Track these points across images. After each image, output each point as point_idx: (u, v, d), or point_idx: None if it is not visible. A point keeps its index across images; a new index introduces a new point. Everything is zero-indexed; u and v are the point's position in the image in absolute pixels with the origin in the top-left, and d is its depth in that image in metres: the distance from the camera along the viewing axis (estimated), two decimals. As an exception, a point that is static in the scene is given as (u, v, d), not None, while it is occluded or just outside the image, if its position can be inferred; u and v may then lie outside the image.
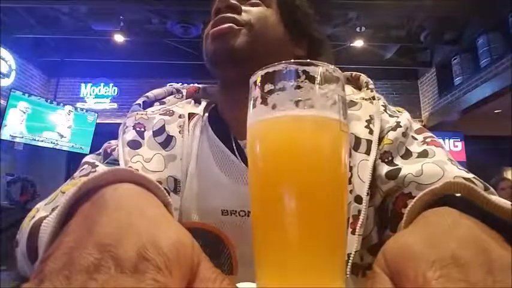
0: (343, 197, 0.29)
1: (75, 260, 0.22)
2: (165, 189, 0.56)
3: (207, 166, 0.61)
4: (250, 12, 0.65)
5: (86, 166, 0.61)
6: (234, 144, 0.62)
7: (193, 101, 0.72)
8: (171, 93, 0.73)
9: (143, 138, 0.60)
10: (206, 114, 0.69)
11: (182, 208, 0.57)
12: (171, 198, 0.56)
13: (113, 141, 0.67)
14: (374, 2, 4.01)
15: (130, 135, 0.60)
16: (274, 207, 0.27)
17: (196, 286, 0.24)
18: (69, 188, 0.44)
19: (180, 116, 0.64)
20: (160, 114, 0.64)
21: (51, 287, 0.21)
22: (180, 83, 0.76)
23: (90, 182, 0.28)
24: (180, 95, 0.72)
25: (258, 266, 0.28)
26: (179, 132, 0.62)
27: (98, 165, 0.57)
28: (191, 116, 0.66)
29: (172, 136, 0.61)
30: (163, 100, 0.70)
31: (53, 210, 0.36)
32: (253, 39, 0.62)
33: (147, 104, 0.68)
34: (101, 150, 0.66)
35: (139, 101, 0.68)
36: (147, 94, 0.70)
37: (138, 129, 0.61)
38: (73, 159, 5.06)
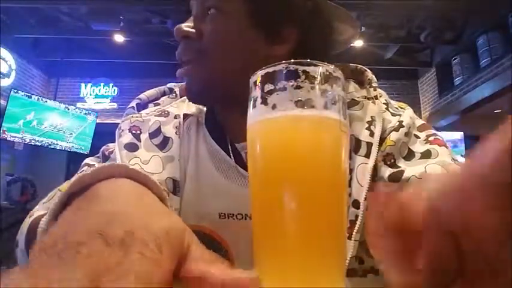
0: (343, 197, 0.29)
1: (65, 244, 0.22)
2: (164, 190, 0.56)
3: (205, 168, 0.61)
4: (205, 34, 0.57)
5: (85, 168, 0.60)
6: (230, 147, 0.61)
7: (187, 100, 0.70)
8: (164, 93, 0.72)
9: (140, 141, 0.59)
10: (202, 115, 0.67)
11: (181, 210, 0.57)
12: (170, 199, 0.56)
13: (110, 144, 0.66)
14: (374, 2, 4.00)
15: (127, 138, 0.59)
16: (274, 207, 0.27)
17: (188, 266, 0.24)
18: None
19: (175, 117, 0.64)
20: (155, 116, 0.63)
21: (38, 266, 0.21)
22: (181, 83, 0.74)
23: (86, 176, 0.28)
24: (174, 94, 0.71)
25: (258, 266, 0.28)
26: (175, 133, 0.61)
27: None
28: (186, 116, 0.65)
29: (169, 137, 0.60)
30: (158, 101, 0.69)
31: None
32: (211, 66, 0.57)
33: (141, 106, 0.67)
34: (99, 154, 0.66)
35: (133, 103, 0.67)
36: (139, 96, 0.69)
37: (134, 132, 0.60)
38: (73, 159, 5.06)
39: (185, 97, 0.70)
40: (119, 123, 0.64)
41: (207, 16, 0.58)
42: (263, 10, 0.57)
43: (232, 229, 0.56)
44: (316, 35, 0.60)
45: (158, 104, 0.68)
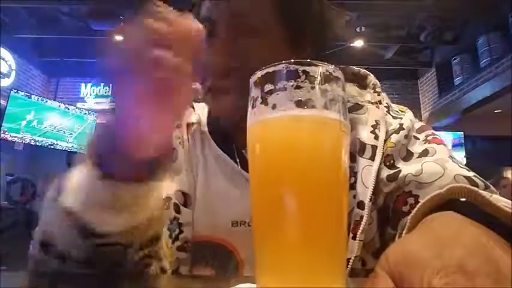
0: (343, 197, 0.29)
1: None
2: (175, 203, 0.55)
3: (215, 178, 0.60)
4: (245, 59, 0.54)
5: None
6: (236, 154, 0.60)
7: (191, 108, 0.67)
8: None
9: None
10: (205, 123, 0.65)
11: (193, 222, 0.56)
12: (182, 212, 0.56)
13: None
14: (374, 2, 4.00)
15: None
16: (274, 207, 0.27)
17: None
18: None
19: (177, 126, 0.62)
20: None
21: None
22: None
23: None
24: None
25: (258, 267, 0.28)
26: (179, 143, 0.60)
27: None
28: (189, 125, 0.64)
29: (173, 149, 0.59)
30: None
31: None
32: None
33: None
34: None
35: None
36: None
37: None
38: (73, 159, 5.05)
39: None
40: None
41: (243, 40, 0.55)
42: (291, 24, 0.57)
43: (245, 236, 0.55)
44: (323, 40, 0.62)
45: None
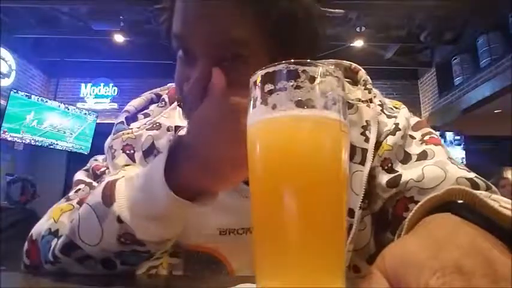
0: (343, 197, 0.29)
1: None
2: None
3: None
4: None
5: (82, 186, 0.59)
6: None
7: (178, 107, 0.65)
8: (152, 101, 0.68)
9: (135, 161, 0.58)
10: None
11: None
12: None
13: (99, 157, 0.65)
14: (374, 2, 4.00)
15: (122, 159, 0.58)
16: (274, 207, 0.27)
17: None
18: (66, 209, 0.53)
19: (168, 129, 0.61)
20: (147, 130, 0.61)
21: None
22: (168, 87, 0.70)
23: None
24: (163, 102, 0.67)
25: (258, 267, 0.28)
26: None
27: (95, 186, 0.55)
28: (177, 128, 0.62)
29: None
30: (147, 111, 0.66)
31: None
32: None
33: (130, 119, 0.65)
34: (88, 167, 0.64)
35: (121, 118, 0.64)
36: (126, 108, 0.66)
37: (128, 151, 0.59)
38: (73, 159, 5.06)
39: (175, 104, 0.66)
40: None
41: (234, 64, 0.47)
42: (282, 43, 0.49)
43: (233, 244, 0.54)
44: (317, 44, 0.55)
45: (148, 115, 0.66)
